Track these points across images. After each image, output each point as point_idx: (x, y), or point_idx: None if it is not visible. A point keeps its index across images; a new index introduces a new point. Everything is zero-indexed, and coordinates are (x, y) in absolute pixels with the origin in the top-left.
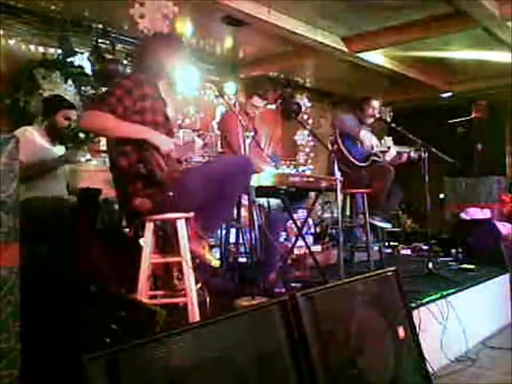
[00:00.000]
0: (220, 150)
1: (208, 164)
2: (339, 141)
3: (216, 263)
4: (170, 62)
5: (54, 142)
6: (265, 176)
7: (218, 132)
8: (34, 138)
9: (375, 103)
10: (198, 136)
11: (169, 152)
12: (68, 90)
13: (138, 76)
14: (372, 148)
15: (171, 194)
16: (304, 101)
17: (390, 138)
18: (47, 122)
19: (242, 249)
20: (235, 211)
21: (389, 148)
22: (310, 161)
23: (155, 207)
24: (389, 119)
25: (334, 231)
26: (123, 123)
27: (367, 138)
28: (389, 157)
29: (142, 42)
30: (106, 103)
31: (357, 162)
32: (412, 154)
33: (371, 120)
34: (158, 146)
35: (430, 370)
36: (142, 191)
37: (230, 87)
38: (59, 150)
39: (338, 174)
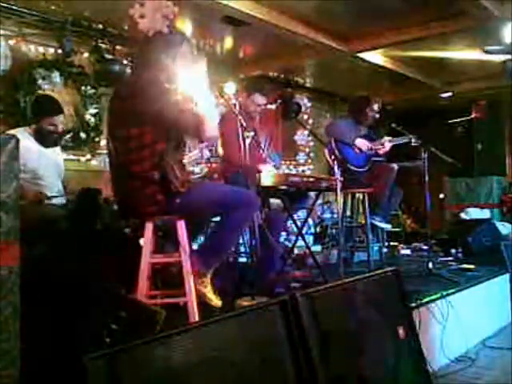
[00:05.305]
0: (220, 151)
1: (217, 186)
2: (336, 150)
3: (217, 303)
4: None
5: (46, 145)
6: (265, 176)
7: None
8: (24, 142)
9: (375, 104)
10: (206, 147)
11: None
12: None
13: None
14: (371, 149)
15: (178, 201)
16: (304, 101)
17: (390, 138)
18: (34, 126)
19: (241, 249)
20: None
21: (382, 145)
22: (310, 161)
23: (161, 213)
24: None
25: (333, 231)
26: None
27: (363, 144)
28: (383, 152)
29: (150, 42)
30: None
31: (357, 169)
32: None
33: (371, 121)
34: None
35: (430, 370)
36: (152, 197)
37: (230, 87)
38: (52, 152)
39: (337, 174)
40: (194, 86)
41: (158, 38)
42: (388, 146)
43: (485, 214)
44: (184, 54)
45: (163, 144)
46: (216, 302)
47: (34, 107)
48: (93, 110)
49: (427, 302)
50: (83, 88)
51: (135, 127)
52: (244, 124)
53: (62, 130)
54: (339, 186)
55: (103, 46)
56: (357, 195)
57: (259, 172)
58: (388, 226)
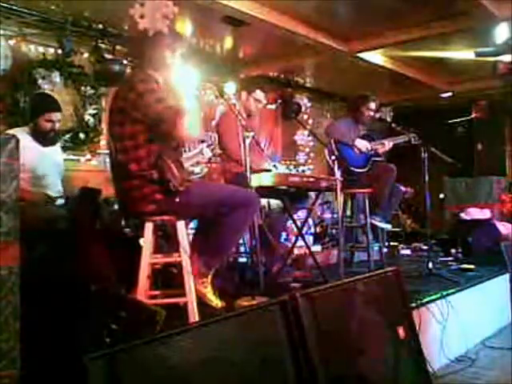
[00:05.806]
0: (219, 151)
1: (217, 185)
2: (335, 150)
3: (217, 304)
4: (171, 60)
5: (44, 144)
6: (265, 176)
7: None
8: (23, 142)
9: (372, 103)
10: (207, 147)
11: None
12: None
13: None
14: (371, 150)
15: (178, 200)
16: (304, 101)
17: (390, 138)
18: (31, 124)
19: (241, 249)
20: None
21: (382, 144)
22: (310, 161)
23: (160, 212)
24: (389, 119)
25: (333, 231)
26: None
27: (363, 145)
28: (382, 151)
29: (140, 41)
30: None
31: (357, 169)
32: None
33: (369, 120)
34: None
35: (430, 370)
36: (151, 196)
37: (230, 87)
38: (52, 151)
39: (338, 174)
40: (184, 85)
41: (157, 38)
42: (388, 145)
43: (485, 214)
44: (180, 54)
45: (158, 143)
46: (216, 302)
47: (32, 105)
48: (92, 111)
49: (427, 302)
50: (83, 88)
51: (129, 126)
52: (244, 124)
53: (58, 128)
54: (339, 186)
55: (103, 46)
56: (357, 195)
57: (261, 170)
58: (388, 226)
